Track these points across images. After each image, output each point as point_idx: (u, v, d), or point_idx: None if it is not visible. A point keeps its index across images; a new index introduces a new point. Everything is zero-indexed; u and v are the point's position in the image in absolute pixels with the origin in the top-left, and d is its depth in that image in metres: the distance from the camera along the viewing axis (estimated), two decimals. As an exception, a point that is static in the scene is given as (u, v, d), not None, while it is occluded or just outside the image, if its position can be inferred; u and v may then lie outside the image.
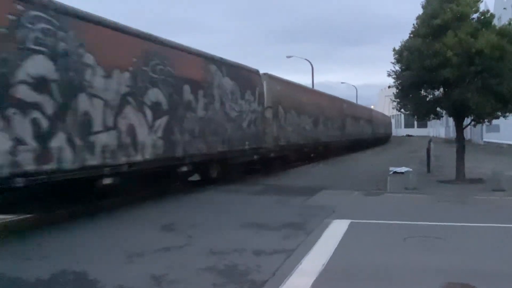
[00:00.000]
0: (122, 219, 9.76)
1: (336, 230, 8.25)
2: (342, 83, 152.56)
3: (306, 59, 54.84)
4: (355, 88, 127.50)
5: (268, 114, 18.44)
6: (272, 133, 18.58)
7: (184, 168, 12.84)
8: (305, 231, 8.25)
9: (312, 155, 26.04)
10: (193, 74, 13.15)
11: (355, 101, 51.65)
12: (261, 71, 18.49)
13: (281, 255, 6.67)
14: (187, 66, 12.91)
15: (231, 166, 15.83)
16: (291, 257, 6.58)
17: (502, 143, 35.15)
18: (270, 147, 18.35)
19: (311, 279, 5.54)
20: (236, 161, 15.85)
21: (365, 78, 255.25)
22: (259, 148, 17.37)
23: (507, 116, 14.78)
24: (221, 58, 14.93)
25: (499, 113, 14.34)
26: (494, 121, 16.20)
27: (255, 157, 17.30)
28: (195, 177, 14.79)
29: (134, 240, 7.70)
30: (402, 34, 28.35)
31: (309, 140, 24.10)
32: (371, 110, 49.12)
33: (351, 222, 8.91)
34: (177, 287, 5.45)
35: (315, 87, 40.01)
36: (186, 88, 12.69)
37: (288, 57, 45.51)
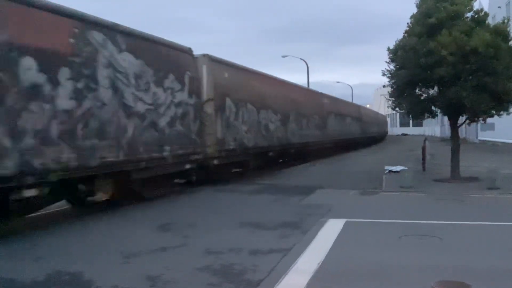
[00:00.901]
0: (118, 219, 9.74)
1: (331, 229, 8.26)
2: (337, 82, 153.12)
3: (301, 59, 54.97)
4: (351, 87, 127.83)
5: (209, 108, 14.29)
6: (215, 134, 14.47)
7: (26, 193, 8.21)
8: (301, 230, 8.26)
9: (281, 160, 22.64)
10: (49, 43, 8.66)
11: (351, 101, 51.37)
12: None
13: (277, 254, 6.67)
14: (36, 30, 8.45)
15: (138, 182, 11.35)
16: (287, 256, 6.58)
17: (497, 141, 35.27)
18: (211, 152, 14.31)
19: (306, 278, 5.54)
20: (147, 174, 11.48)
21: (361, 77, 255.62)
22: (192, 154, 13.26)
23: (502, 115, 14.83)
24: (116, 24, 10.50)
25: (494, 112, 14.39)
26: (489, 120, 16.28)
27: (188, 166, 13.23)
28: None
29: (130, 240, 7.68)
30: (398, 33, 28.37)
31: (275, 142, 19.70)
32: (359, 107, 44.00)
33: (347, 221, 8.92)
34: (173, 287, 5.44)
35: (311, 86, 39.87)
36: (28, 63, 8.11)
37: (284, 56, 45.57)
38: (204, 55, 14.30)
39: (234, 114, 15.80)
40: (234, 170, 17.18)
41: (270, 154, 19.70)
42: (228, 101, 15.42)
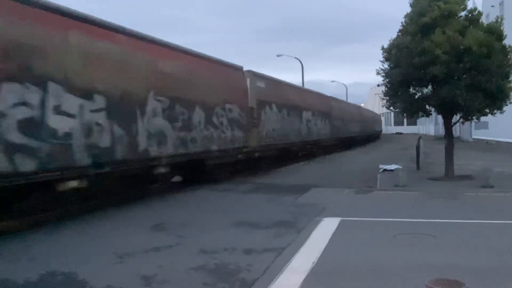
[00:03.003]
0: (112, 219, 9.71)
1: (326, 228, 8.26)
2: (332, 81, 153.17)
3: (296, 58, 55.13)
4: (345, 86, 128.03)
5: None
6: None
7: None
8: (295, 230, 8.26)
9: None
10: None
11: (346, 100, 51.11)
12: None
13: (272, 253, 6.66)
14: None
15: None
16: (281, 255, 6.58)
17: (491, 140, 35.45)
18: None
19: (301, 277, 5.54)
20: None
21: (356, 76, 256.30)
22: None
23: (496, 113, 14.88)
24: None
25: (488, 110, 14.44)
26: (483, 118, 16.31)
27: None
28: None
29: (124, 240, 7.65)
30: (392, 32, 28.29)
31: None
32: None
33: (341, 220, 8.93)
34: (167, 287, 5.42)
35: (306, 86, 39.93)
36: None
37: (278, 55, 45.73)
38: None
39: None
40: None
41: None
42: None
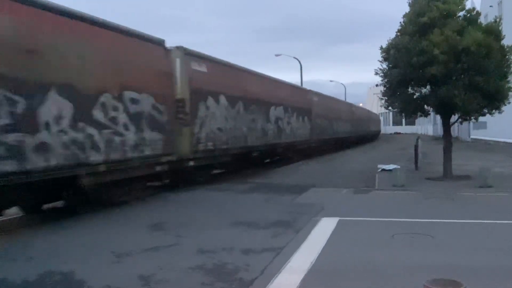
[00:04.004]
0: (110, 218, 9.70)
1: (324, 228, 8.26)
2: (331, 81, 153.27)
3: (294, 57, 55.12)
4: (344, 86, 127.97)
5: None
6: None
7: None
8: (293, 229, 8.26)
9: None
10: None
11: (346, 101, 50.47)
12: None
13: (270, 253, 6.66)
14: None
15: None
16: (279, 255, 6.58)
17: (489, 140, 35.47)
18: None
19: (299, 277, 5.54)
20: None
21: (354, 76, 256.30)
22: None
23: (494, 113, 14.91)
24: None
25: (486, 110, 14.46)
26: (481, 118, 16.33)
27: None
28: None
29: (122, 240, 7.65)
30: (391, 32, 27.90)
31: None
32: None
33: (340, 219, 8.93)
34: (165, 287, 5.42)
35: (304, 85, 39.77)
36: None
37: (277, 55, 45.56)
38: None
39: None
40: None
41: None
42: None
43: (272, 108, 20.12)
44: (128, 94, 10.85)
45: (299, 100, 24.64)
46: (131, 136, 10.92)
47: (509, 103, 14.42)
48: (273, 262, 6.22)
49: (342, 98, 50.28)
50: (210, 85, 14.62)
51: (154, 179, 12.94)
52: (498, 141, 33.16)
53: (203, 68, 14.23)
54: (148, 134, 11.54)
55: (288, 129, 22.37)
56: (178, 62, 12.95)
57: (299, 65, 46.53)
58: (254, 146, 18.17)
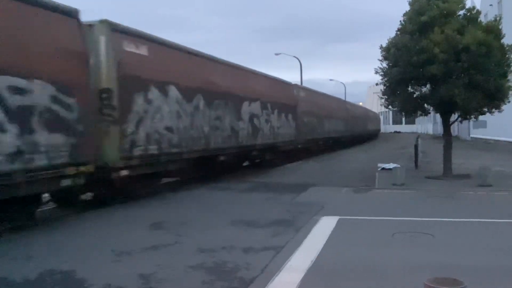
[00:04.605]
0: (110, 217, 9.70)
1: (324, 227, 8.26)
2: (330, 80, 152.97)
3: (294, 56, 55.03)
4: (344, 85, 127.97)
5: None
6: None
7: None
8: (294, 228, 8.26)
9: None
10: None
11: (344, 98, 49.63)
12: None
13: (270, 252, 6.67)
14: None
15: None
16: (280, 254, 6.58)
17: (489, 139, 35.47)
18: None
19: (299, 276, 5.54)
20: None
21: (354, 75, 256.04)
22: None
23: (494, 112, 14.91)
24: None
25: (486, 109, 14.46)
26: (481, 117, 16.35)
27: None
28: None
29: (123, 239, 7.65)
30: (391, 31, 27.41)
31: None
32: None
33: (340, 218, 8.93)
34: (165, 286, 5.41)
35: (304, 84, 39.69)
36: None
37: (277, 54, 45.47)
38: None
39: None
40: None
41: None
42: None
43: (246, 103, 17.03)
44: (5, 81, 7.54)
45: (282, 96, 21.43)
46: (8, 140, 7.55)
47: (509, 102, 14.43)
48: (273, 261, 6.22)
49: (342, 97, 48.82)
50: (154, 73, 11.54)
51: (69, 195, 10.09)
52: (498, 140, 33.16)
53: (142, 51, 11.19)
54: (44, 137, 8.28)
55: (267, 128, 19.19)
56: (103, 41, 10.14)
57: (299, 64, 46.46)
58: (220, 148, 15.06)
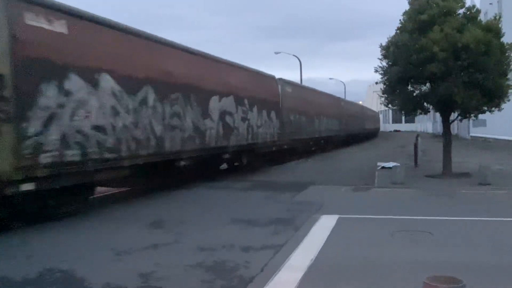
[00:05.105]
0: (110, 216, 9.70)
1: (324, 226, 8.27)
2: (330, 79, 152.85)
3: (294, 55, 54.86)
4: (344, 84, 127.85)
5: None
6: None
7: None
8: (293, 227, 8.26)
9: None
10: None
11: (344, 97, 48.92)
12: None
13: (270, 250, 6.67)
14: None
15: None
16: (279, 252, 6.58)
17: (489, 138, 35.48)
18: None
19: (299, 275, 5.54)
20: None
21: (354, 74, 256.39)
22: None
23: (493, 111, 14.91)
24: None
25: (485, 108, 14.46)
26: (481, 116, 16.35)
27: None
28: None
29: (122, 238, 7.65)
30: (391, 30, 27.01)
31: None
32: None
33: (339, 217, 8.94)
34: (165, 284, 5.41)
35: (304, 83, 39.67)
36: None
37: (276, 53, 45.43)
38: None
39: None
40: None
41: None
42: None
43: (215, 98, 14.56)
44: None
45: (263, 90, 18.81)
46: None
47: (508, 100, 14.43)
48: (273, 260, 6.22)
49: (342, 96, 48.11)
50: (76, 57, 9.12)
51: None
52: (497, 139, 33.17)
53: (58, 27, 8.73)
54: None
55: (243, 127, 16.76)
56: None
57: (298, 63, 46.34)
58: (178, 152, 12.59)
